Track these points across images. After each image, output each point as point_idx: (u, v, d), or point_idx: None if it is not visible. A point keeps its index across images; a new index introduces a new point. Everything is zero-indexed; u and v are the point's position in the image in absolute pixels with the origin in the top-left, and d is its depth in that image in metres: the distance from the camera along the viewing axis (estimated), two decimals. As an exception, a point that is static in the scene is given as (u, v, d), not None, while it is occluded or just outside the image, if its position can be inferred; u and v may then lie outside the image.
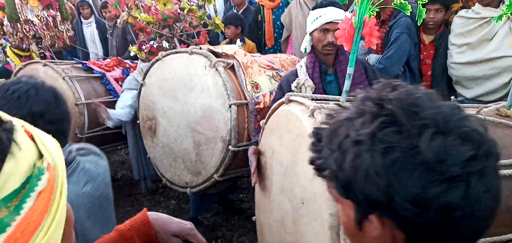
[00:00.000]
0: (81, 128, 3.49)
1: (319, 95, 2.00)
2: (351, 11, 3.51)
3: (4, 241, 0.53)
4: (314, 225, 1.57)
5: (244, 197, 4.06)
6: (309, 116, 1.65)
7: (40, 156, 0.61)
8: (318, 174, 0.77)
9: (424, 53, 3.15)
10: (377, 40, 1.82)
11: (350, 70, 1.85)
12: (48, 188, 0.59)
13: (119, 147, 4.62)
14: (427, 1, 1.75)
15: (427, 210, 0.62)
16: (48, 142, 0.65)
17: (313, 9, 2.35)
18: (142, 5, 3.57)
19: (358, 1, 1.76)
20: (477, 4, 2.84)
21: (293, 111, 1.79)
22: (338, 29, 2.10)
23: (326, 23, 2.23)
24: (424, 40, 3.15)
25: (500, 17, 2.08)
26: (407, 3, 1.77)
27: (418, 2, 1.77)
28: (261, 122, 2.19)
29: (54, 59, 4.24)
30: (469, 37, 2.85)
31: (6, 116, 0.61)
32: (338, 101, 1.91)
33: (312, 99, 1.88)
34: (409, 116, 0.64)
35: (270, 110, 2.07)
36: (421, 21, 1.80)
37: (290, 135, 1.79)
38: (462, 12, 2.94)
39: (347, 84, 1.86)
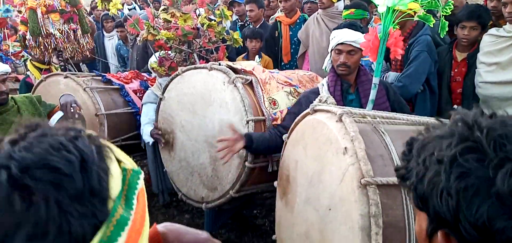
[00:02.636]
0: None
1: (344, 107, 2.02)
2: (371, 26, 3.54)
3: (128, 234, 0.63)
4: (343, 229, 1.56)
5: (258, 213, 4.04)
6: (337, 121, 1.67)
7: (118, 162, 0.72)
8: (400, 182, 0.83)
9: (455, 70, 3.09)
10: (401, 50, 1.85)
11: (375, 79, 1.96)
12: (142, 186, 0.72)
13: (135, 159, 4.66)
14: (448, 14, 1.77)
15: (491, 241, 0.63)
16: (120, 152, 0.77)
17: (333, 30, 2.47)
18: (158, 26, 3.64)
19: (383, 14, 1.80)
20: (508, 23, 2.80)
21: (319, 119, 1.82)
22: (351, 50, 2.14)
23: (338, 44, 2.35)
24: (456, 57, 3.10)
25: None
26: (431, 16, 1.80)
27: (441, 14, 1.80)
28: (284, 136, 2.22)
29: (75, 71, 4.33)
30: (499, 56, 2.80)
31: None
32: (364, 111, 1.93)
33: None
34: (495, 146, 0.66)
35: (293, 123, 2.10)
36: (444, 33, 1.83)
37: (316, 143, 1.80)
38: (493, 31, 2.89)
39: (373, 93, 1.96)
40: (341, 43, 2.32)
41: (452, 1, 1.81)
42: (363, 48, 2.00)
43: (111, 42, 6.17)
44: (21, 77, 4.58)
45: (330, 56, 2.45)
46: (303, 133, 1.95)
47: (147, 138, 3.40)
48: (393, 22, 1.81)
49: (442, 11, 1.80)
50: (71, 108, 2.57)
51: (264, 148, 2.47)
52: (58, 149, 0.61)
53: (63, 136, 0.65)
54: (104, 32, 6.22)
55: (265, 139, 2.45)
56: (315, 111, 1.91)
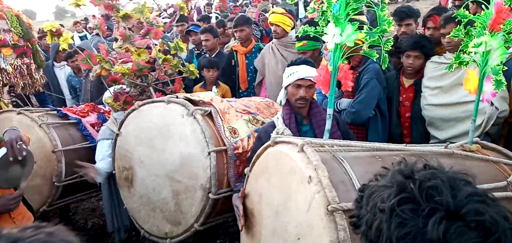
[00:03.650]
0: (58, 175, 3.41)
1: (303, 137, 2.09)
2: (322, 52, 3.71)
3: None
4: (314, 258, 1.58)
5: None
6: (299, 151, 1.72)
7: None
8: (353, 229, 0.89)
9: (404, 95, 3.28)
10: (351, 83, 1.99)
11: (329, 111, 2.05)
12: None
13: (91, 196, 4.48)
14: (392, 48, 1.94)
15: None
16: None
17: (288, 66, 2.56)
18: (111, 59, 3.58)
19: (326, 48, 1.94)
20: (447, 51, 3.05)
21: (281, 150, 1.86)
22: (310, 85, 2.27)
23: (299, 79, 2.46)
24: (403, 83, 3.29)
25: (450, 66, 2.32)
26: (374, 51, 1.97)
27: (382, 49, 1.96)
28: (246, 170, 2.25)
29: (32, 106, 4.13)
30: (441, 81, 3.01)
31: None
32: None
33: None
34: (427, 197, 0.74)
35: (254, 157, 2.14)
36: (385, 65, 2.00)
37: (280, 174, 1.84)
38: (435, 58, 3.13)
39: (328, 124, 2.06)
40: (302, 79, 2.44)
41: (392, 39, 1.98)
42: (316, 82, 2.13)
43: (63, 71, 5.95)
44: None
45: (285, 90, 2.55)
46: (266, 165, 1.99)
47: (99, 179, 3.29)
48: (342, 57, 1.93)
49: (384, 46, 1.94)
50: (17, 145, 2.42)
51: None
52: None
53: None
54: (54, 62, 5.99)
55: None
56: (276, 143, 1.97)
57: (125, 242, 4.07)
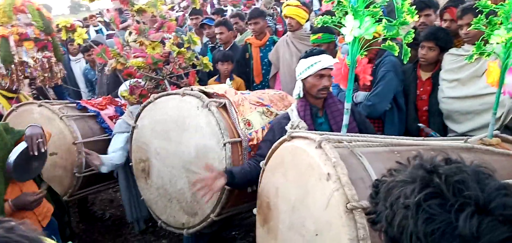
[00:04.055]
0: (79, 166, 3.47)
1: (319, 132, 2.06)
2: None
3: None
4: (332, 254, 1.57)
5: (237, 235, 4.04)
6: (316, 147, 1.70)
7: None
8: (371, 226, 0.88)
9: (421, 89, 3.23)
10: (369, 77, 1.94)
11: (347, 105, 2.00)
12: None
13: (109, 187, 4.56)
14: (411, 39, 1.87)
15: None
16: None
17: (304, 58, 2.51)
18: (125, 53, 3.62)
19: (342, 40, 1.90)
20: (466, 43, 2.98)
21: (298, 145, 1.84)
22: (330, 75, 2.24)
23: (322, 69, 2.43)
24: (420, 76, 3.25)
25: (470, 57, 2.27)
26: (395, 44, 1.90)
27: (403, 42, 1.88)
28: (261, 163, 2.23)
29: (50, 99, 4.22)
30: (459, 73, 2.96)
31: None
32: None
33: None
34: (454, 192, 0.72)
35: (270, 151, 2.11)
36: (407, 59, 1.93)
37: (297, 169, 1.82)
38: (453, 50, 3.07)
39: (346, 118, 2.01)
40: (325, 68, 2.42)
41: (413, 30, 1.89)
42: (333, 76, 2.08)
43: (78, 65, 6.05)
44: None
45: (301, 82, 2.52)
46: (282, 159, 1.96)
47: (103, 169, 3.36)
48: (360, 50, 1.88)
49: (404, 39, 1.87)
50: (37, 142, 2.48)
51: (246, 181, 2.47)
52: None
53: None
54: (70, 56, 6.09)
55: (246, 172, 2.45)
56: (292, 137, 1.94)
57: (143, 232, 4.15)
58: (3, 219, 0.84)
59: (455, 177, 0.74)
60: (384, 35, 1.85)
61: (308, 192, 1.71)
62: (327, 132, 2.00)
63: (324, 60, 2.43)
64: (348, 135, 1.95)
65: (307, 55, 2.52)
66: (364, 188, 1.55)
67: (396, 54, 1.96)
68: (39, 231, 0.89)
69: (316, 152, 1.69)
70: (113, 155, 3.42)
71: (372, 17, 1.79)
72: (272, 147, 2.10)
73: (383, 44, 1.88)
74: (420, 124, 3.10)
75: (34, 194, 2.53)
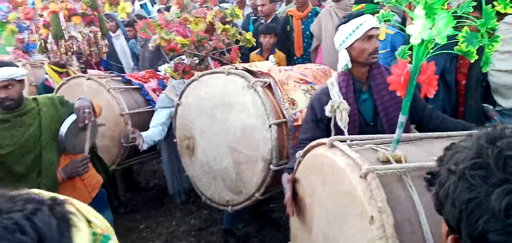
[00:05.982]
0: (126, 137, 3.64)
1: (359, 138, 1.84)
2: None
3: None
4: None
5: (275, 207, 4.10)
6: (361, 177, 1.48)
7: (89, 223, 0.68)
8: (426, 186, 0.89)
9: (460, 61, 3.05)
10: (435, 90, 1.60)
11: (402, 118, 1.68)
12: None
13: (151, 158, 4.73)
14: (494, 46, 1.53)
15: None
16: (91, 210, 0.72)
17: (344, 23, 2.26)
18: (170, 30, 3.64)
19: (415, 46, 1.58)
20: None
21: (340, 164, 1.60)
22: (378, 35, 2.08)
23: (370, 29, 2.17)
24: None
25: None
26: (473, 48, 1.48)
27: (485, 46, 1.47)
28: (297, 154, 2.09)
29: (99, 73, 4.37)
30: None
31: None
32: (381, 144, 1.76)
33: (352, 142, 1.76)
34: (501, 167, 0.70)
35: (308, 146, 1.92)
36: (487, 69, 1.52)
37: (336, 187, 1.64)
38: (509, 18, 2.80)
39: (398, 133, 1.70)
40: (373, 28, 2.18)
41: (501, 36, 1.46)
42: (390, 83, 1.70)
43: (118, 41, 6.18)
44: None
45: (346, 52, 2.23)
46: (321, 167, 1.77)
47: (144, 146, 3.49)
48: (426, 55, 1.50)
49: (486, 48, 1.47)
50: (84, 113, 2.56)
51: None
52: (13, 231, 0.56)
53: (20, 212, 0.59)
54: (109, 32, 6.22)
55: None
56: (333, 145, 1.72)
57: (184, 202, 4.31)
58: (52, 198, 0.69)
59: (508, 152, 0.70)
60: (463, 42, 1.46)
61: (346, 220, 1.57)
62: (372, 137, 1.81)
63: (369, 20, 2.17)
64: (398, 152, 1.63)
65: (348, 19, 2.26)
66: (411, 233, 1.40)
67: (473, 61, 1.51)
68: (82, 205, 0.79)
69: (360, 185, 1.46)
70: (153, 131, 3.53)
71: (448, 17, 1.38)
72: (311, 144, 1.90)
73: (456, 49, 1.49)
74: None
75: (77, 158, 2.64)
